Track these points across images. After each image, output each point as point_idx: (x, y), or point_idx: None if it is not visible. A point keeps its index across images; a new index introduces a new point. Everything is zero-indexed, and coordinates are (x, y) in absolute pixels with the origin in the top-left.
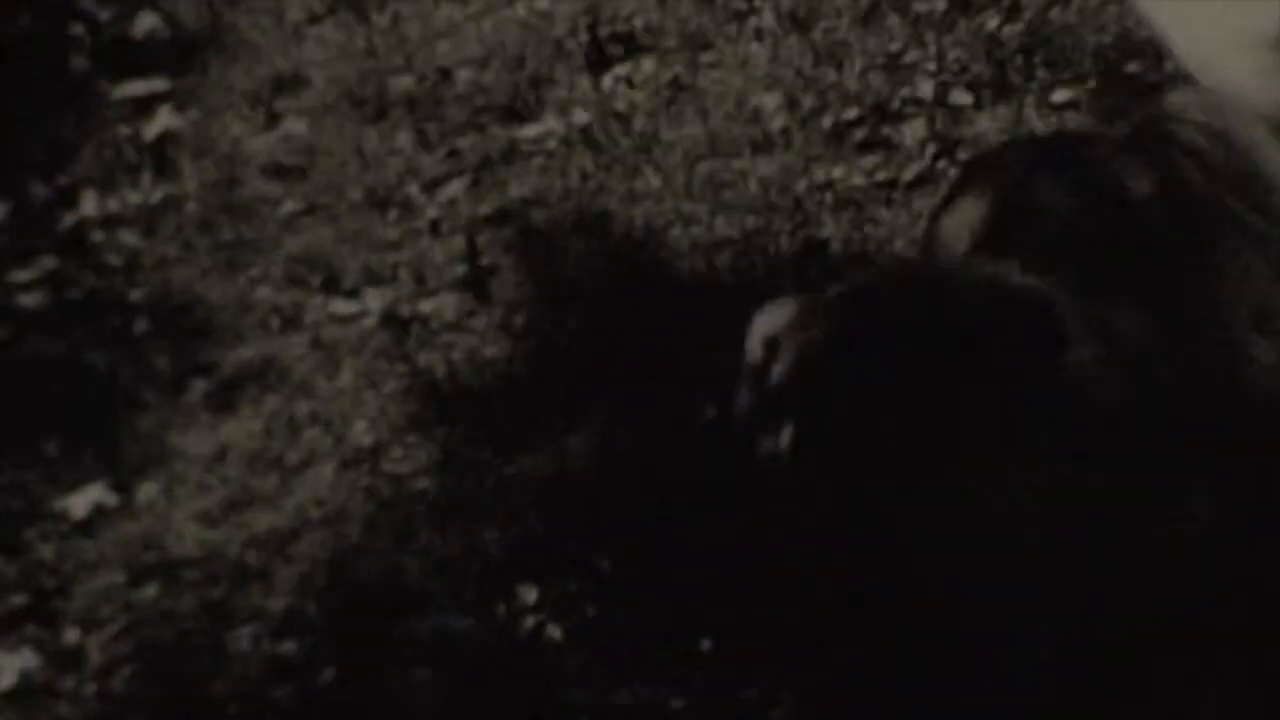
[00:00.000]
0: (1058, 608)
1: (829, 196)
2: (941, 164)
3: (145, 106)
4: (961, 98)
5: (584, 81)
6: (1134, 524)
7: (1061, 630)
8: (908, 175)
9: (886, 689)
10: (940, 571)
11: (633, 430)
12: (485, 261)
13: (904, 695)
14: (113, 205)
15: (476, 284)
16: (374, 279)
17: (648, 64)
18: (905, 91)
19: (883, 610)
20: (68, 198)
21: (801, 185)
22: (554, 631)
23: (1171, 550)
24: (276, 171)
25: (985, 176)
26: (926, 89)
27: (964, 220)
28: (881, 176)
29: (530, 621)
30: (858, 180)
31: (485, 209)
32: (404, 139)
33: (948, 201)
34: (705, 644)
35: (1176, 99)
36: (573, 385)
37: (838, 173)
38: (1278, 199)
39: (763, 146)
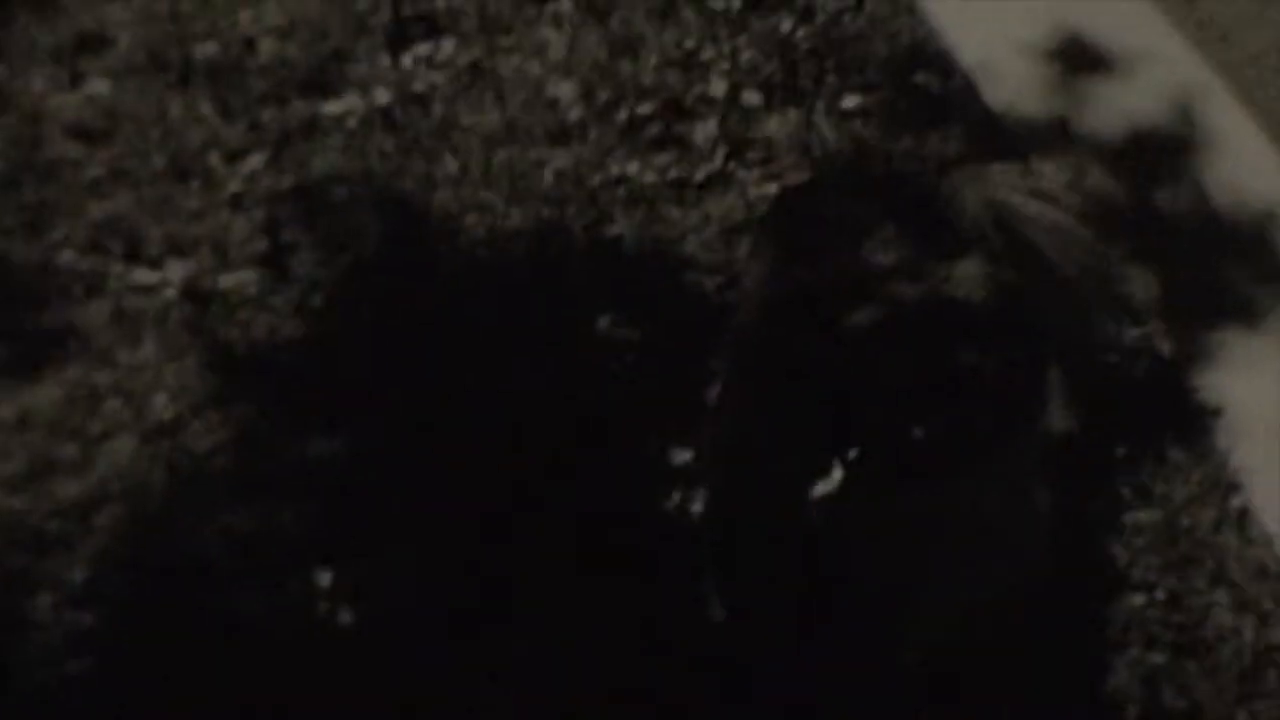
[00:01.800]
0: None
1: (622, 191)
2: (732, 165)
3: None
4: (752, 98)
5: (384, 59)
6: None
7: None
8: (699, 176)
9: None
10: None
11: (428, 415)
12: (285, 238)
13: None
14: None
15: (277, 260)
16: (176, 250)
17: (448, 46)
18: (699, 89)
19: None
20: None
21: (596, 179)
22: (346, 616)
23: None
24: (80, 133)
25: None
26: (719, 87)
27: (770, 255)
28: (674, 175)
29: (324, 606)
30: (650, 177)
31: (286, 183)
32: (207, 107)
33: (755, 241)
34: (501, 630)
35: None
36: (369, 367)
37: (632, 168)
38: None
39: (559, 137)
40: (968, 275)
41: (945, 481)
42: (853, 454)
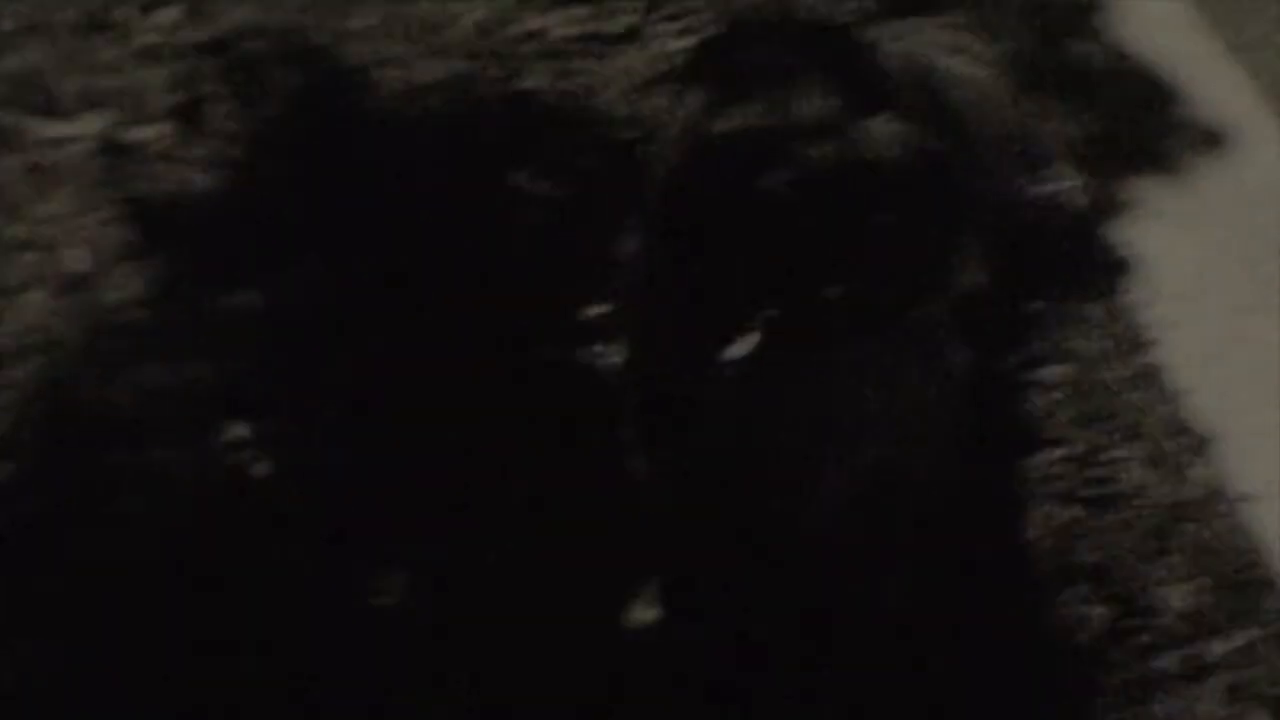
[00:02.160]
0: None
1: (537, 45)
2: (648, 19)
3: None
4: None
5: None
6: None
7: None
8: (615, 29)
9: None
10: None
11: (342, 268)
12: (199, 91)
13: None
14: None
15: (192, 113)
16: (90, 103)
17: None
18: None
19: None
20: None
21: (511, 31)
22: (264, 468)
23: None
24: None
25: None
26: None
27: (693, 107)
28: (590, 28)
29: (242, 457)
30: (566, 30)
31: (201, 36)
32: None
33: (675, 93)
34: (421, 477)
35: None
36: (285, 221)
37: (547, 21)
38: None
39: None
40: (881, 134)
41: (858, 341)
42: (767, 316)
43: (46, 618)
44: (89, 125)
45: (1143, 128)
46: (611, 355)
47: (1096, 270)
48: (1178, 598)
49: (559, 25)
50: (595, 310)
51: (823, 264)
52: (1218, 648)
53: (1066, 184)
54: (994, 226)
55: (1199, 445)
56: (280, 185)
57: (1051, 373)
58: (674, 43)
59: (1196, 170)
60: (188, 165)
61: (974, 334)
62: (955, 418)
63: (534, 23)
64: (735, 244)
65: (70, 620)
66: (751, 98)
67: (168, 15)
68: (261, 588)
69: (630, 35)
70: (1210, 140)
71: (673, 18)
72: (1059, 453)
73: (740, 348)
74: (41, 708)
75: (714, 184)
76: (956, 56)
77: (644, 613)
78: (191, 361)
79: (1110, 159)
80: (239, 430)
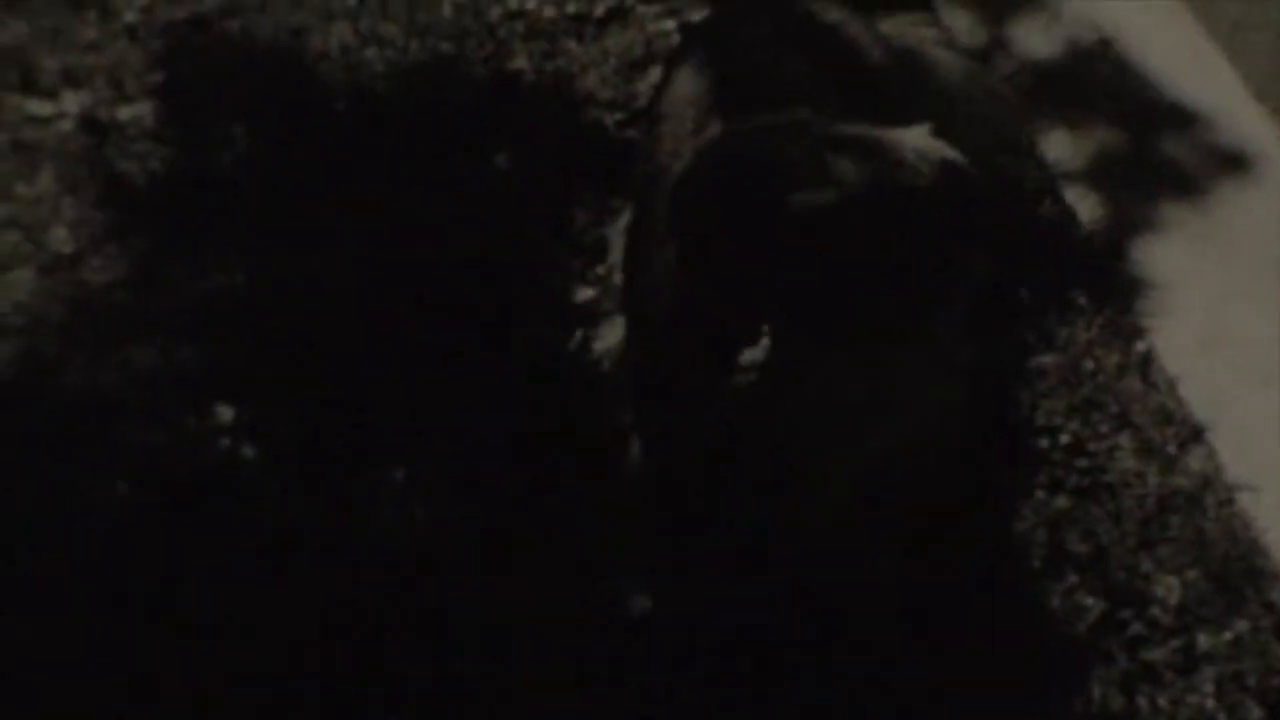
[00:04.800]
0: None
1: (521, 26)
2: (631, 1)
3: None
4: None
5: None
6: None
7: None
8: (599, 10)
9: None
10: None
11: (328, 249)
12: (182, 70)
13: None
14: None
15: (173, 92)
16: (72, 81)
17: None
18: None
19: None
20: None
21: (496, 12)
22: (249, 451)
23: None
24: None
25: (703, 50)
26: None
27: (688, 93)
28: (573, 9)
29: (226, 441)
30: (550, 11)
31: (182, 14)
32: None
33: (668, 77)
34: (408, 459)
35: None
36: (269, 202)
37: (531, 3)
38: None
39: None
40: (916, 153)
41: (875, 350)
42: (784, 322)
43: (21, 600)
44: (70, 104)
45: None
46: (603, 338)
47: (1086, 260)
48: (1168, 589)
49: (543, 6)
50: (585, 293)
51: (844, 275)
52: (1209, 639)
53: (1057, 173)
54: (999, 224)
55: (1190, 435)
56: (264, 165)
57: (1041, 361)
58: (655, 24)
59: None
60: (170, 144)
61: (975, 327)
62: (956, 409)
63: (517, 3)
64: (760, 253)
65: (44, 603)
66: (758, 90)
67: None
68: (241, 571)
69: (613, 16)
70: (1186, 122)
71: (655, 0)
72: (1049, 441)
73: (753, 354)
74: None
75: (743, 197)
76: (949, 51)
77: (641, 602)
78: (176, 343)
79: (1101, 154)
80: (224, 412)
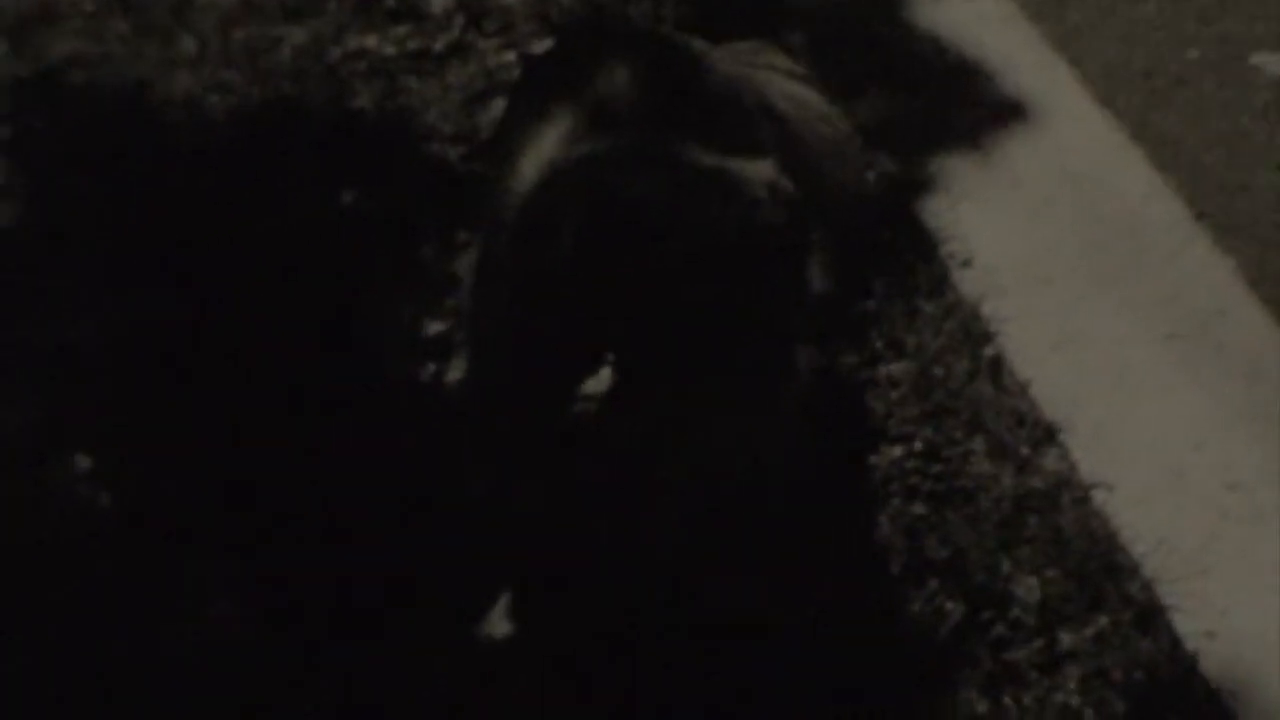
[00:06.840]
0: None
1: (363, 65)
2: (470, 35)
3: None
4: None
5: None
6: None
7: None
8: (439, 46)
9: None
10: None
11: (173, 296)
12: (28, 124)
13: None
14: None
15: (18, 147)
16: None
17: None
18: None
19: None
20: None
21: (335, 53)
22: (105, 500)
23: None
24: None
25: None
26: None
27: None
28: (413, 46)
29: (84, 490)
30: (390, 49)
31: (25, 70)
32: None
33: (510, 109)
34: (266, 514)
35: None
36: (115, 252)
37: (370, 41)
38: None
39: (295, 13)
40: (762, 190)
41: (712, 380)
42: (625, 357)
43: None
44: None
45: (967, 133)
46: (451, 371)
47: (930, 267)
48: (1029, 589)
49: (383, 44)
50: (434, 326)
51: (683, 309)
52: (1071, 637)
53: (895, 185)
54: (832, 231)
55: (1043, 436)
56: (108, 215)
57: (890, 369)
58: (496, 58)
59: (1017, 156)
60: (14, 199)
61: (817, 336)
62: (800, 418)
63: (356, 43)
64: (606, 293)
65: None
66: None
67: None
68: (102, 616)
69: (453, 51)
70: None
71: (495, 33)
72: (903, 449)
73: (595, 385)
74: None
75: (599, 245)
76: (785, 77)
77: (498, 626)
78: (28, 395)
79: (933, 149)
80: (82, 463)
